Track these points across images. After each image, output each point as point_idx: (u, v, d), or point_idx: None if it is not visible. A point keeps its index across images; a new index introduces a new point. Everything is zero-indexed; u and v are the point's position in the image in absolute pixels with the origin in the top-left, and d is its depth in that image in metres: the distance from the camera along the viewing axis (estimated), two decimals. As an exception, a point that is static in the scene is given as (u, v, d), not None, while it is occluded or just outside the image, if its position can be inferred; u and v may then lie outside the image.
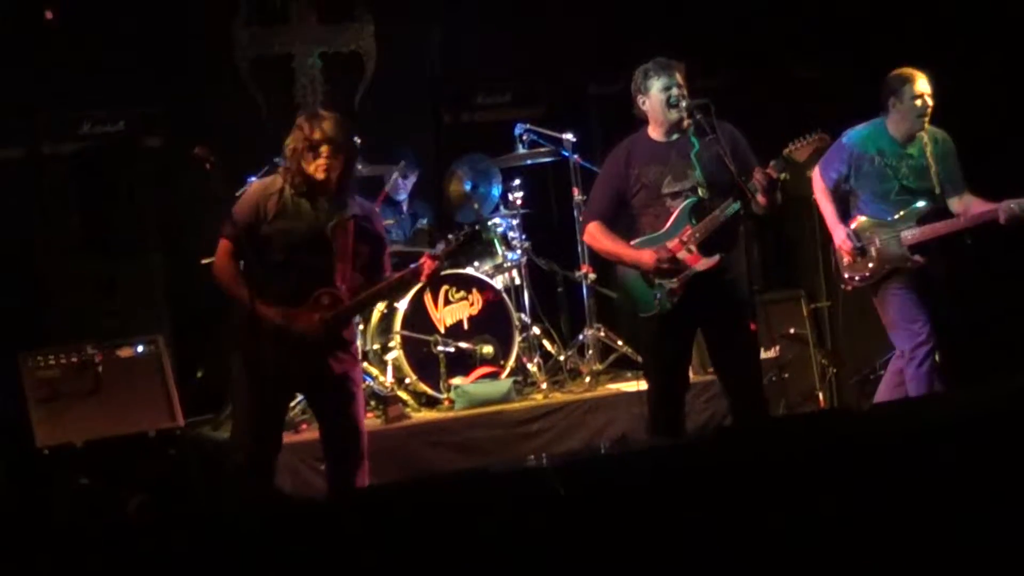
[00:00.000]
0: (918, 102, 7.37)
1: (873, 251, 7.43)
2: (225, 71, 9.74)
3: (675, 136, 6.68)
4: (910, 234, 7.36)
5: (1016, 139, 8.34)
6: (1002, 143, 8.37)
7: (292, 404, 7.55)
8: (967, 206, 7.40)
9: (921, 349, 7.33)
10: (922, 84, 7.37)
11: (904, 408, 5.91)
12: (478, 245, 8.81)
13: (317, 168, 6.16)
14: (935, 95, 7.40)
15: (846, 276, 7.57)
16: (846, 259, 7.50)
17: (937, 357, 7.35)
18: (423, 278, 6.44)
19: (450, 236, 6.50)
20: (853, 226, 7.53)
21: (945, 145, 7.52)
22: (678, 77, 6.61)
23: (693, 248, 6.50)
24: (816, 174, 7.67)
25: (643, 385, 6.99)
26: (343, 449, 6.43)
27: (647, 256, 6.55)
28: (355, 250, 6.31)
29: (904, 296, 7.40)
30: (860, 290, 7.65)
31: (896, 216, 7.42)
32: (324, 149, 6.14)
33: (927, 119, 7.41)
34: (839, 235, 7.50)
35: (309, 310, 6.18)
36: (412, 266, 6.42)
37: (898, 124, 7.48)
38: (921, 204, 7.41)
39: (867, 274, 7.47)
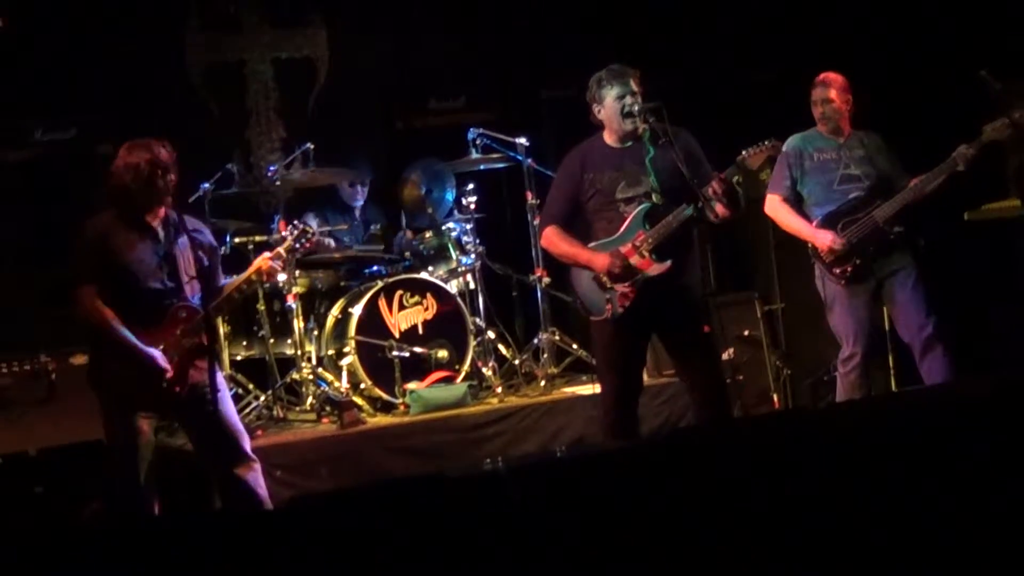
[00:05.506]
0: (816, 108, 7.72)
1: (854, 240, 7.46)
2: (177, 78, 9.72)
3: (630, 143, 6.68)
4: (882, 210, 7.45)
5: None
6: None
7: (246, 411, 7.58)
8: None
9: (851, 361, 7.55)
10: (817, 91, 7.71)
11: (861, 408, 5.95)
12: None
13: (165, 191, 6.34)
14: (853, 96, 7.70)
15: (837, 271, 7.53)
16: (830, 256, 7.50)
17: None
18: (265, 279, 6.73)
19: (285, 234, 6.74)
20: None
21: (878, 139, 7.74)
22: (632, 84, 6.61)
23: (646, 253, 6.51)
24: (769, 196, 7.80)
25: (598, 388, 6.99)
26: (226, 454, 6.44)
27: (600, 260, 6.56)
28: (196, 261, 6.39)
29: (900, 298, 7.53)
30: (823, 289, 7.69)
31: (851, 202, 7.54)
32: (171, 177, 6.35)
33: (829, 122, 7.68)
34: (824, 238, 7.49)
35: (169, 326, 6.31)
36: (256, 261, 6.66)
37: (820, 126, 7.76)
38: (867, 183, 7.55)
39: (858, 261, 7.47)
